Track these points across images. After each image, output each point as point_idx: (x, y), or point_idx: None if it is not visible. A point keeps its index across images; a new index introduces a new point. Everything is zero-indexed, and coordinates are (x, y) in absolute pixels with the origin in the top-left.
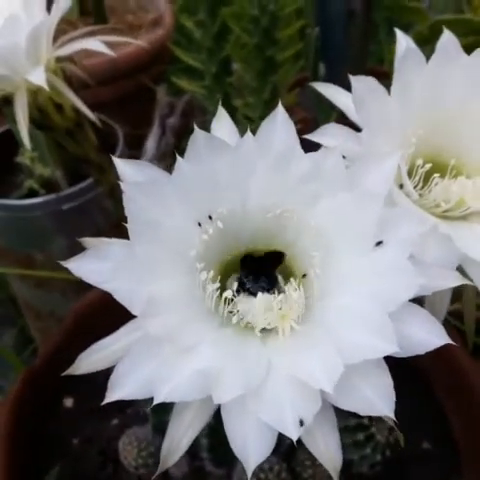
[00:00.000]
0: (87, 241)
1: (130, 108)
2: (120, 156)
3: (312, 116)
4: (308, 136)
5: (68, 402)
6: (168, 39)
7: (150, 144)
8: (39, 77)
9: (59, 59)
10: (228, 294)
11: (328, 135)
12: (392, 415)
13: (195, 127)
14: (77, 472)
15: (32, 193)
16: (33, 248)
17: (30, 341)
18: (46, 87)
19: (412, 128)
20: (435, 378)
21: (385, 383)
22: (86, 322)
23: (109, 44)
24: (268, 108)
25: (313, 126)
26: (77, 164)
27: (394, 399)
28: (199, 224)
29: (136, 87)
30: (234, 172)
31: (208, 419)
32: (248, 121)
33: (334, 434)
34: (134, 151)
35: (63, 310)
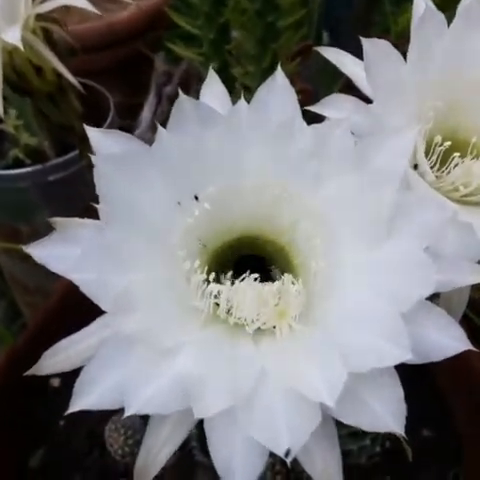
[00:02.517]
0: (57, 221)
1: (126, 76)
2: (110, 125)
3: (313, 88)
4: (310, 107)
5: (55, 382)
6: (165, 3)
7: (146, 114)
8: (14, 35)
9: (40, 18)
10: (215, 287)
11: (333, 106)
12: (402, 432)
13: (180, 93)
14: (63, 456)
15: (19, 163)
16: (19, 221)
17: (20, 314)
18: (21, 46)
19: (430, 100)
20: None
21: (395, 395)
22: (73, 298)
23: (104, 10)
24: (268, 77)
25: (314, 98)
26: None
27: (405, 414)
28: (182, 205)
29: (132, 54)
30: (225, 146)
31: (190, 430)
32: (247, 91)
33: (334, 452)
34: (129, 121)
35: (50, 285)
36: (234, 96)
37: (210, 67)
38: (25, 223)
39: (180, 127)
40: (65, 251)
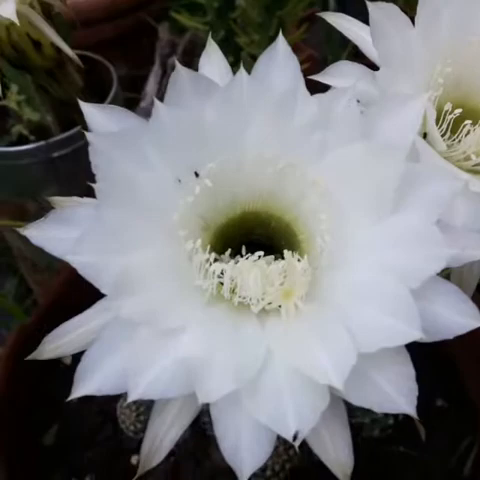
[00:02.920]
0: (56, 200)
1: (130, 47)
2: (114, 99)
3: (320, 55)
4: (315, 77)
5: (67, 359)
6: None
7: (151, 85)
8: (8, 9)
9: None
10: (219, 266)
11: (339, 75)
12: (414, 413)
13: (177, 63)
14: (76, 432)
15: (22, 140)
16: (25, 198)
17: (31, 291)
18: (16, 21)
19: (439, 66)
20: None
21: (406, 374)
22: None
23: None
24: None
25: (321, 66)
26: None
27: (416, 393)
28: (182, 182)
29: (136, 25)
30: (225, 118)
31: (196, 413)
32: (253, 60)
33: (345, 434)
34: (134, 93)
35: (59, 263)
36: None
37: (209, 36)
38: (31, 200)
39: (178, 100)
40: (62, 233)
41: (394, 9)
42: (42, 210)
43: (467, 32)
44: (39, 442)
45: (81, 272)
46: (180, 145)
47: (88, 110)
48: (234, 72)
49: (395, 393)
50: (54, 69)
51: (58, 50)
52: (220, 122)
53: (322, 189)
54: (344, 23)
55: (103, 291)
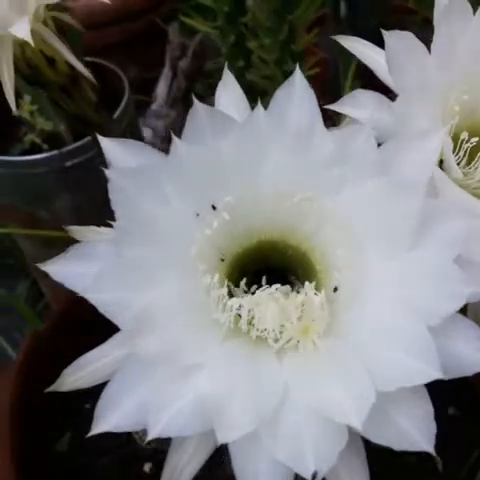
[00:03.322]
0: (73, 229)
1: (140, 50)
2: (126, 107)
3: (331, 57)
4: (331, 106)
5: None
6: None
7: (161, 88)
8: (22, 30)
9: (50, 6)
10: (236, 301)
11: (355, 105)
12: (432, 450)
13: (195, 100)
14: (89, 439)
15: (35, 148)
16: (37, 206)
17: (43, 294)
18: (31, 41)
19: (456, 93)
20: None
21: (424, 412)
22: None
23: None
24: (285, 50)
25: (332, 69)
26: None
27: (435, 431)
28: (201, 216)
29: (146, 28)
30: (243, 154)
31: (214, 447)
32: (263, 64)
33: (363, 470)
34: (144, 96)
35: None
36: (250, 72)
37: (227, 69)
38: (43, 208)
39: (195, 136)
40: (82, 269)
41: (410, 38)
42: (55, 218)
43: None
44: (52, 449)
45: (102, 310)
46: (198, 180)
47: (107, 145)
48: (245, 77)
49: (414, 432)
50: (68, 85)
51: (72, 66)
52: (237, 157)
53: (340, 223)
54: (358, 47)
55: (123, 328)
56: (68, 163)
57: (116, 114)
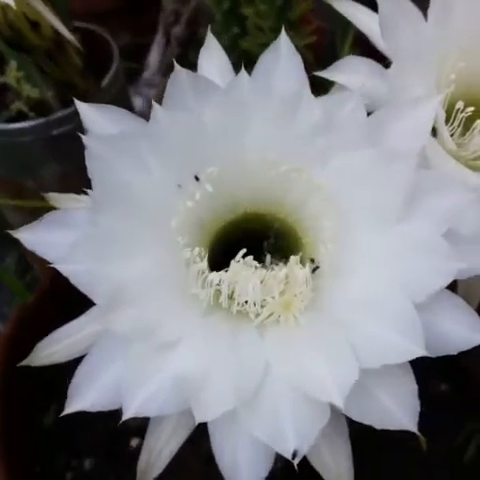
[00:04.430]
0: (53, 197)
1: (134, 15)
2: (116, 72)
3: (328, 25)
4: (321, 74)
5: None
6: None
7: (153, 56)
8: None
9: None
10: (216, 276)
11: (347, 71)
12: (415, 429)
13: (175, 64)
14: (74, 415)
15: (22, 116)
16: (23, 176)
17: (31, 266)
18: (12, 3)
19: (452, 60)
20: None
21: (408, 390)
22: None
23: None
24: (281, 17)
25: (329, 38)
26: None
27: (418, 409)
28: (183, 187)
29: None
30: (226, 121)
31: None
32: (259, 31)
33: (345, 449)
34: (137, 64)
35: None
36: (246, 39)
37: (209, 30)
38: (30, 178)
39: (177, 103)
40: (56, 237)
41: (404, 1)
42: (42, 187)
43: None
44: (39, 423)
45: (74, 282)
46: (179, 149)
47: (84, 110)
48: (239, 44)
49: (397, 410)
50: (52, 50)
51: (57, 31)
52: (220, 125)
53: (326, 194)
54: (352, 11)
55: (97, 302)
56: (55, 131)
57: (105, 82)
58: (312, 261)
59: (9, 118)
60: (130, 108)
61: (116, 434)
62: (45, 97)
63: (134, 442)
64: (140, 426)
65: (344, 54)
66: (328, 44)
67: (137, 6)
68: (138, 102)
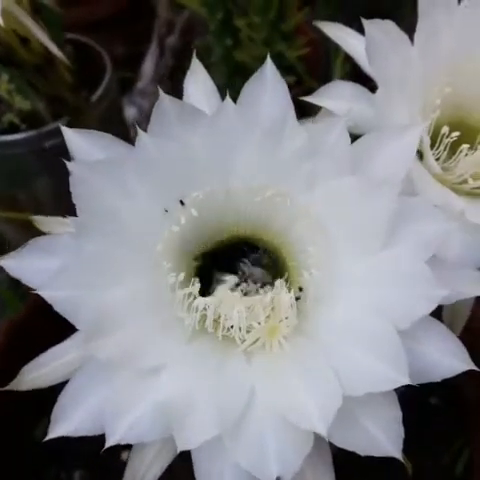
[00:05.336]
0: (39, 220)
1: (129, 25)
2: (107, 85)
3: (322, 36)
4: (308, 98)
5: None
6: None
7: (147, 66)
8: None
9: None
10: (202, 301)
11: (332, 96)
12: (400, 456)
13: (161, 92)
14: None
15: (14, 128)
16: (16, 188)
17: None
18: (1, 22)
19: (438, 86)
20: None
21: (393, 418)
22: None
23: None
24: (274, 29)
25: (322, 50)
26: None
27: (402, 436)
28: (168, 211)
29: (134, 2)
30: (212, 148)
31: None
32: (253, 43)
33: (329, 475)
34: (131, 72)
35: None
36: (239, 50)
37: (194, 54)
38: (22, 190)
39: (162, 129)
40: (40, 264)
41: (391, 26)
42: (34, 200)
43: (468, 50)
44: (30, 436)
45: (57, 308)
46: (165, 174)
47: (70, 136)
48: (232, 56)
49: (382, 437)
50: (43, 65)
51: (46, 47)
52: (206, 151)
53: (312, 219)
54: (340, 34)
55: (80, 328)
56: (47, 143)
57: (96, 95)
58: (300, 290)
59: (1, 130)
60: (122, 120)
61: (107, 448)
62: (37, 109)
63: (124, 455)
64: None
65: (338, 66)
66: (323, 54)
67: (132, 15)
68: (132, 111)
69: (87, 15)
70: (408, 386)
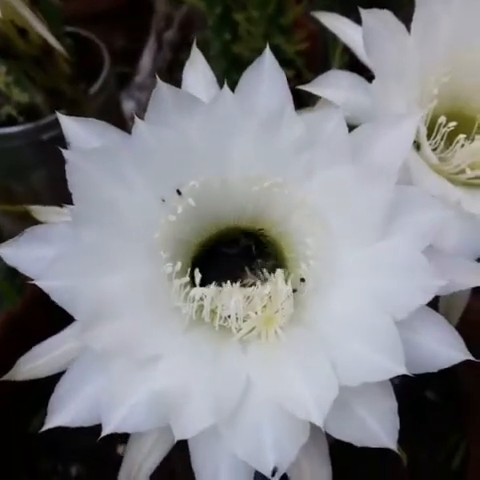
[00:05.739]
0: (35, 210)
1: (128, 19)
2: (106, 78)
3: (320, 27)
4: (305, 87)
5: None
6: None
7: (145, 60)
8: None
9: None
10: (199, 291)
11: (330, 85)
12: (394, 447)
13: (158, 80)
14: None
15: (12, 120)
16: (13, 180)
17: None
18: None
19: (435, 75)
20: None
21: (388, 407)
22: None
23: None
24: (273, 23)
25: (321, 43)
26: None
27: (398, 427)
28: (164, 201)
29: None
30: (209, 136)
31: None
32: (251, 37)
33: (325, 467)
34: (129, 66)
35: None
36: (237, 44)
37: (194, 45)
38: (18, 182)
39: (159, 118)
40: (37, 253)
41: (388, 16)
42: (31, 192)
43: (465, 39)
44: (26, 429)
45: (54, 298)
46: (162, 163)
47: (67, 124)
48: (231, 49)
49: (377, 428)
50: (41, 57)
51: (45, 38)
52: (203, 140)
53: (309, 210)
54: (337, 24)
55: (77, 318)
56: (45, 136)
57: (94, 88)
58: (300, 280)
59: None
60: (120, 113)
61: (103, 440)
62: (35, 101)
63: (120, 449)
64: (127, 433)
65: (336, 58)
66: (322, 47)
67: (131, 9)
68: (130, 105)
69: (86, 8)
70: (405, 378)
